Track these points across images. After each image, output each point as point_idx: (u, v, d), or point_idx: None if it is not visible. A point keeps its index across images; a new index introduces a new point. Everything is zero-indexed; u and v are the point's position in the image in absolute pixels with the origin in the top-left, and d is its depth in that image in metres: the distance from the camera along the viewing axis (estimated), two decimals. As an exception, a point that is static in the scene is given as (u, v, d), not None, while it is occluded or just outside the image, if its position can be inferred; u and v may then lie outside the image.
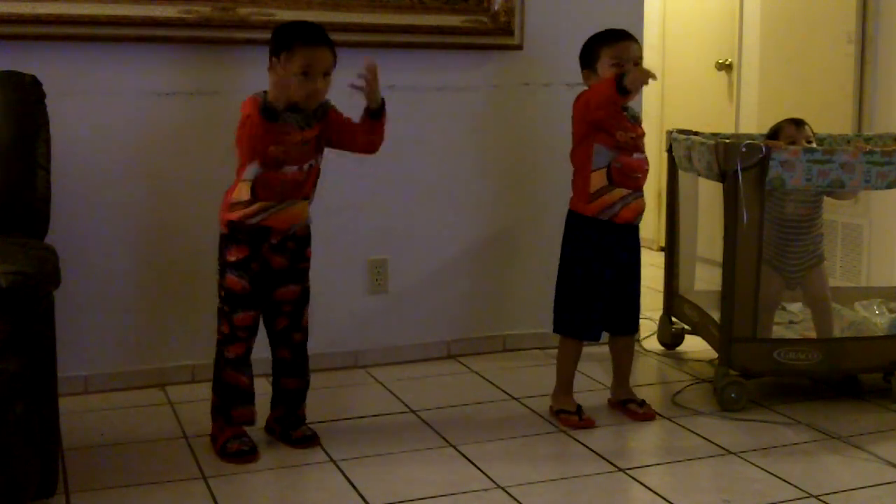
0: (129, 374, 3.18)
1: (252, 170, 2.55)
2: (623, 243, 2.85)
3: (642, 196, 2.86)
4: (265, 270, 2.62)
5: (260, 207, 2.55)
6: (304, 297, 2.69)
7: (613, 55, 2.75)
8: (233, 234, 2.59)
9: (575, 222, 2.86)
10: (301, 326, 2.70)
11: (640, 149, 2.83)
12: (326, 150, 2.68)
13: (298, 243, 2.65)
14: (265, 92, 2.51)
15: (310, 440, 2.68)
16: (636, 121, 2.87)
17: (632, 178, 2.80)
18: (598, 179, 2.79)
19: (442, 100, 3.47)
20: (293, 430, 2.70)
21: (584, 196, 2.81)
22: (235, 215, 2.57)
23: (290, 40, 2.52)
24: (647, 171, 2.86)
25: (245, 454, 2.58)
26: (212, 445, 2.65)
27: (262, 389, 3.18)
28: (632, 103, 2.86)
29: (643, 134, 2.87)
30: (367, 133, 2.65)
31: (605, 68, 2.76)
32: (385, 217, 3.45)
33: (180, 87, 3.14)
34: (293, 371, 2.71)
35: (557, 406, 2.91)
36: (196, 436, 2.76)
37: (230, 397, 2.63)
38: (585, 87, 2.84)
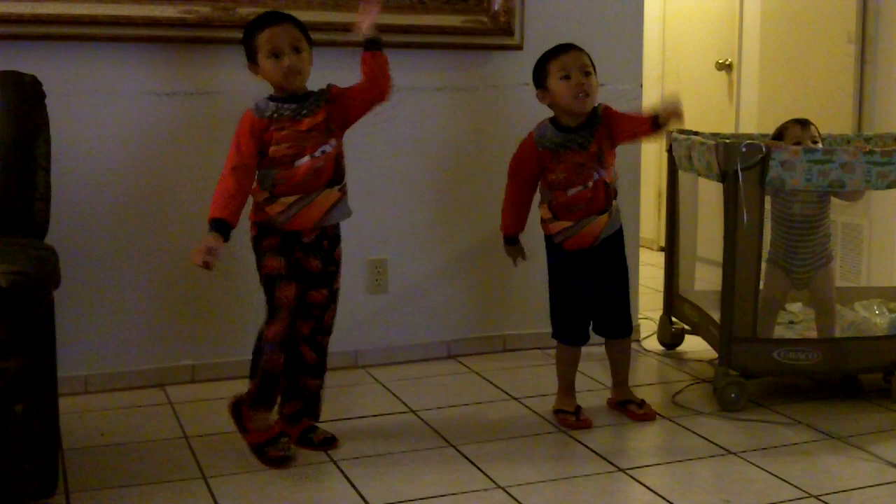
0: (129, 374, 3.18)
1: (267, 175, 2.55)
2: (588, 260, 2.83)
3: (591, 221, 2.78)
4: (300, 271, 2.61)
5: (286, 203, 2.54)
6: (331, 298, 2.68)
7: (560, 67, 2.74)
8: (262, 231, 2.59)
9: (546, 237, 2.89)
10: (324, 329, 2.69)
11: (581, 181, 2.75)
12: None
13: (331, 242, 2.64)
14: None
15: (331, 441, 2.67)
16: (590, 135, 2.76)
17: (571, 211, 2.78)
18: (544, 211, 2.84)
19: (442, 100, 3.47)
20: (312, 434, 2.69)
21: (542, 219, 2.86)
22: (263, 215, 2.57)
23: (250, 34, 2.57)
24: (589, 198, 2.76)
25: (287, 460, 2.57)
26: (241, 435, 2.63)
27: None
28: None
29: (589, 158, 2.75)
30: (370, 79, 2.62)
31: (554, 82, 2.74)
32: (385, 217, 3.45)
33: (180, 87, 3.15)
34: (314, 371, 2.70)
35: (557, 405, 2.91)
36: (196, 436, 2.76)
37: (268, 384, 2.59)
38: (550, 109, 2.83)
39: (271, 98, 2.59)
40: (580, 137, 2.76)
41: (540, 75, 2.80)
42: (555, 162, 2.77)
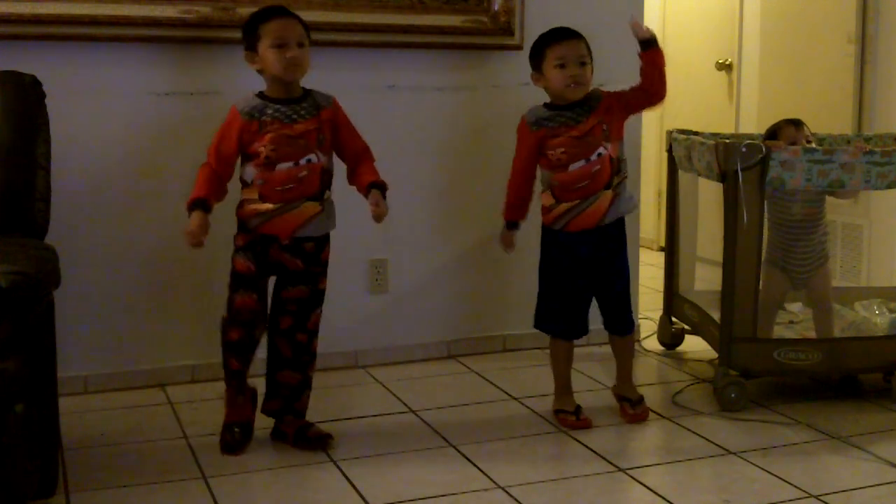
0: (129, 374, 3.18)
1: (248, 171, 2.57)
2: (591, 246, 2.80)
3: (597, 198, 2.75)
4: (278, 268, 2.62)
5: (267, 209, 2.54)
6: (313, 298, 2.67)
7: (557, 55, 2.73)
8: (239, 227, 2.61)
9: (542, 229, 2.88)
10: (306, 328, 2.67)
11: (581, 155, 2.74)
12: None
13: (317, 244, 2.64)
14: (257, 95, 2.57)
15: (326, 438, 2.66)
16: (586, 111, 2.75)
17: (574, 189, 2.76)
18: (546, 198, 2.83)
19: (442, 100, 3.47)
20: (307, 431, 2.67)
21: (543, 208, 2.85)
22: (243, 212, 2.59)
23: (254, 24, 2.56)
24: (593, 173, 2.74)
25: (229, 447, 2.61)
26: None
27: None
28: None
29: (591, 128, 2.74)
30: (363, 174, 2.66)
31: (550, 69, 2.74)
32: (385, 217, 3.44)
33: (180, 87, 3.14)
34: (292, 365, 2.68)
35: (556, 406, 2.91)
36: (196, 436, 2.76)
37: (227, 376, 2.65)
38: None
39: (261, 96, 2.57)
40: (572, 113, 2.76)
41: (536, 58, 2.80)
42: (552, 138, 2.76)
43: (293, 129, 2.54)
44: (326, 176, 2.62)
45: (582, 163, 2.75)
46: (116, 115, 3.09)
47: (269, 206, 2.54)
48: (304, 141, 2.54)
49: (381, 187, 2.64)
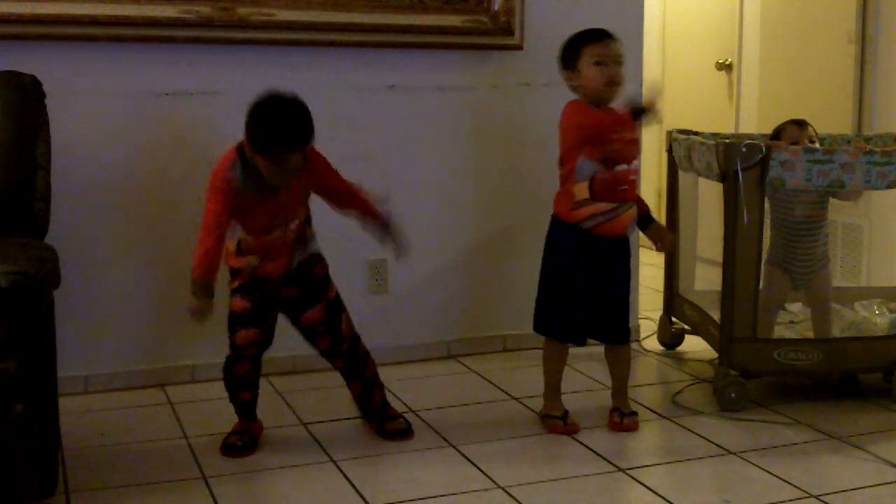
0: (129, 374, 3.18)
1: (237, 229, 2.55)
2: (605, 252, 2.76)
3: (631, 207, 2.77)
4: (282, 302, 2.64)
5: (251, 261, 2.56)
6: (333, 309, 2.68)
7: (595, 53, 2.70)
8: (233, 272, 2.61)
9: (556, 226, 2.80)
10: (343, 337, 2.69)
11: (627, 158, 2.73)
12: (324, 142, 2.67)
13: (304, 267, 2.64)
14: (237, 153, 2.49)
15: (404, 433, 2.73)
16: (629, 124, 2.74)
17: (616, 191, 2.72)
18: (580, 191, 2.72)
19: (442, 100, 3.47)
20: (388, 422, 2.75)
21: (567, 204, 2.75)
22: (231, 262, 2.59)
23: (267, 143, 2.42)
24: (633, 181, 2.75)
25: (236, 449, 2.62)
26: None
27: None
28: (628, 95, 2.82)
29: (635, 138, 2.76)
30: (356, 204, 2.66)
31: (587, 66, 2.70)
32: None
33: (180, 87, 3.14)
34: (351, 376, 2.77)
35: (544, 411, 2.87)
36: (196, 436, 2.76)
37: (237, 408, 2.71)
38: (571, 91, 2.78)
39: (244, 163, 2.47)
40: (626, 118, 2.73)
41: (572, 57, 2.75)
42: (612, 131, 2.70)
43: (279, 199, 2.52)
44: (309, 223, 2.65)
45: (624, 166, 2.73)
46: (116, 115, 3.10)
47: (254, 259, 2.56)
48: (290, 206, 2.56)
49: (386, 222, 2.69)
